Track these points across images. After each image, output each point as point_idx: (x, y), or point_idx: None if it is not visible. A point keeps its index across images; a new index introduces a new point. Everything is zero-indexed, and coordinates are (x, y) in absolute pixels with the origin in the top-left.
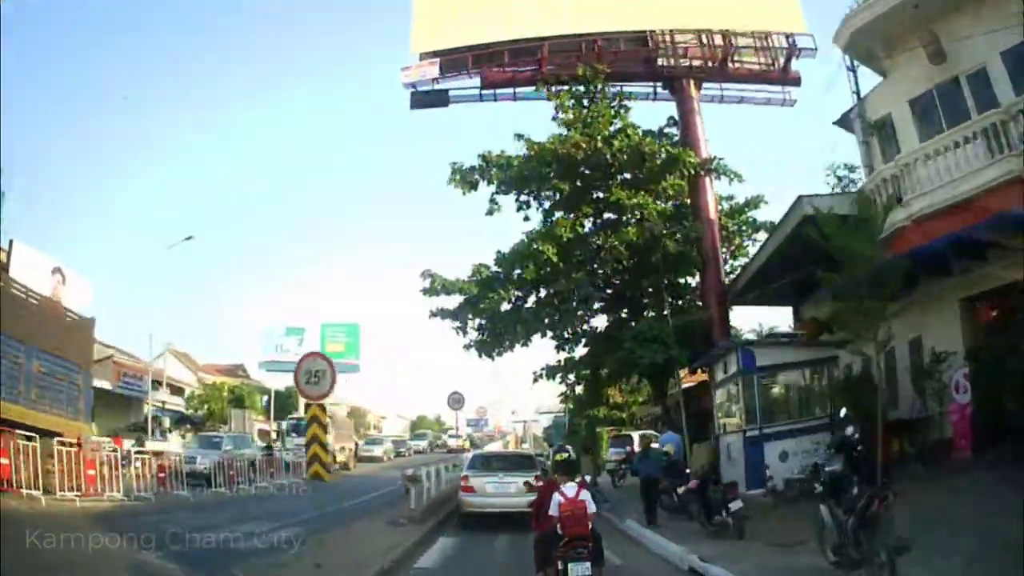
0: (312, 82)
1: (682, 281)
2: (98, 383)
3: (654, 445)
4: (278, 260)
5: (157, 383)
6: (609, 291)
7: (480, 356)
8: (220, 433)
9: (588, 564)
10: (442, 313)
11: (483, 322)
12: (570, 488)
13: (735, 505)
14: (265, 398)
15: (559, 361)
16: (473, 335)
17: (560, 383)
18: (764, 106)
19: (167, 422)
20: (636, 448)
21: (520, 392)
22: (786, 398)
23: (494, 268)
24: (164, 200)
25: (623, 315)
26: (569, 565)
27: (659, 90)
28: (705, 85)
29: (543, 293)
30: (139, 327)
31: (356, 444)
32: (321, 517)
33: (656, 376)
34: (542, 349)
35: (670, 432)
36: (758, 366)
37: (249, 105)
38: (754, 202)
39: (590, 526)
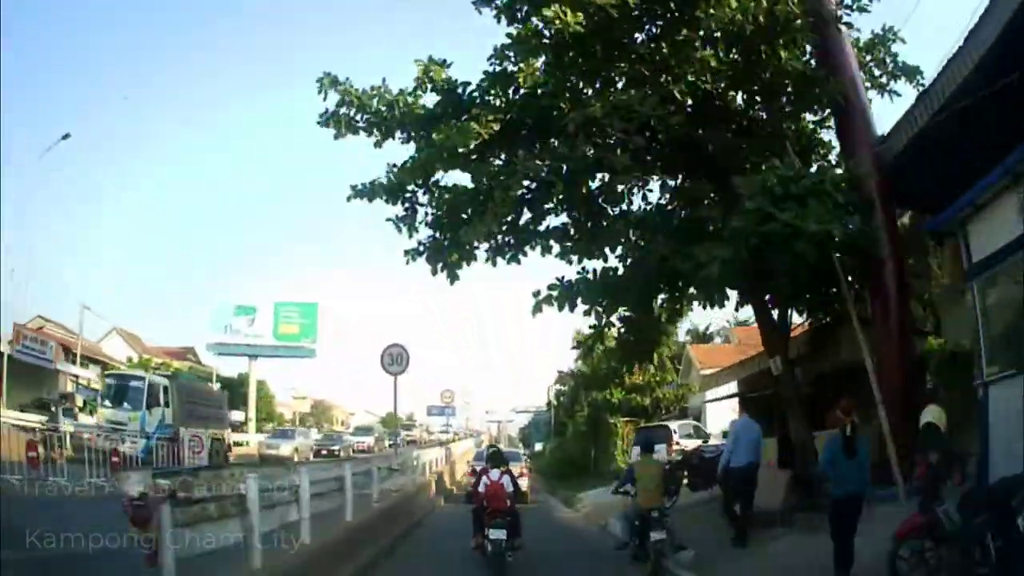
0: (312, 82)
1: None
2: None
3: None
4: (278, 260)
5: (72, 354)
6: (669, 151)
7: (434, 272)
8: None
9: (504, 531)
10: (370, 192)
11: (438, 211)
12: (495, 473)
13: None
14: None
15: (582, 272)
16: (425, 233)
17: (587, 313)
18: None
19: (80, 399)
20: (678, 444)
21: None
22: None
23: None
24: (165, 200)
25: (707, 193)
26: (489, 531)
27: None
28: None
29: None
30: (135, 323)
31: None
32: None
33: (793, 290)
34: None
35: (746, 417)
36: None
37: (249, 105)
38: (884, 39)
39: (508, 503)
